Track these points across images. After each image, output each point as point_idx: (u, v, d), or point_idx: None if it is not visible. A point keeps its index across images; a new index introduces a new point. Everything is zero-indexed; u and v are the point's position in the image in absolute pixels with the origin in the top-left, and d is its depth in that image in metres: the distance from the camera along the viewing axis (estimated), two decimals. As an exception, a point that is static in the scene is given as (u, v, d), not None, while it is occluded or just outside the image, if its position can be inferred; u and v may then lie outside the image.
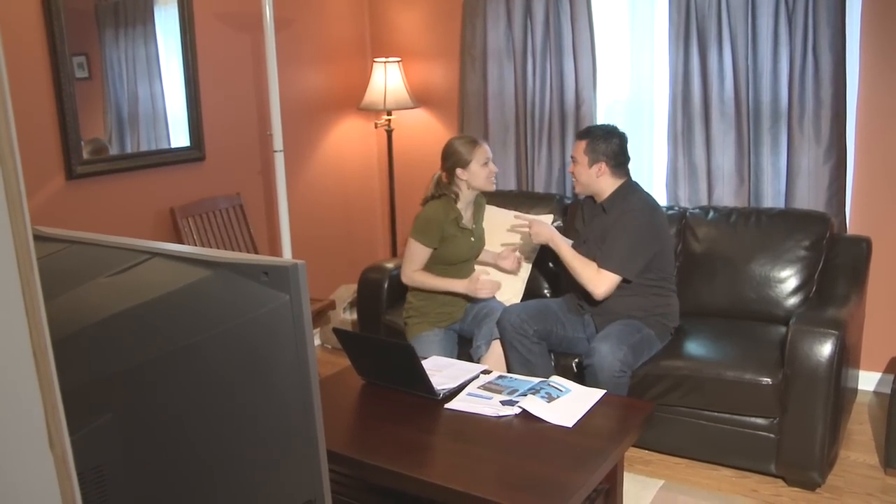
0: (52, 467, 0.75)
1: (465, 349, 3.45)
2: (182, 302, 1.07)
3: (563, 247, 3.30)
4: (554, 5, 4.15)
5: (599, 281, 3.17)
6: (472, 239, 3.49)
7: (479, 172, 3.36)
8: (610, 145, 3.26)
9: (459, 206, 3.41)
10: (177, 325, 1.06)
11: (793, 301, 3.41)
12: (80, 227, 3.29)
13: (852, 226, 3.70)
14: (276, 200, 3.58)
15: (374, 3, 4.93)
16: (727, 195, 3.85)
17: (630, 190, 3.32)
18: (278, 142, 3.47)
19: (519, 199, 4.17)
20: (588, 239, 3.37)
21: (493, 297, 3.51)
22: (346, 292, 4.65)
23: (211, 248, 3.83)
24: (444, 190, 3.42)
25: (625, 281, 3.19)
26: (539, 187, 4.35)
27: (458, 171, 3.37)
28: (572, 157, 3.37)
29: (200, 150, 3.94)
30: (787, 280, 3.43)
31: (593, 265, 3.21)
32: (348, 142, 4.89)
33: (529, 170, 4.39)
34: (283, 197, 3.53)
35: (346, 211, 4.93)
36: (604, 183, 3.30)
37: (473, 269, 3.55)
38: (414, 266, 3.40)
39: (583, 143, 3.30)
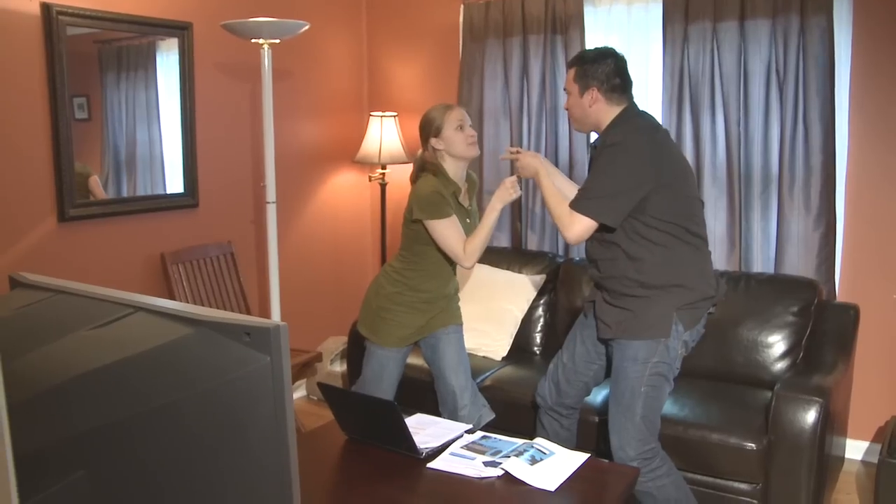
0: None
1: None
2: (163, 359, 1.07)
3: (546, 182, 2.79)
4: (551, 66, 4.21)
5: (570, 222, 2.65)
6: (468, 221, 3.05)
7: (454, 138, 2.96)
8: (602, 66, 2.73)
9: (453, 178, 3.02)
10: (156, 382, 1.06)
11: (780, 366, 3.41)
12: (69, 270, 3.32)
13: (841, 293, 3.71)
14: (267, 250, 3.58)
15: (372, 58, 5.00)
16: (718, 259, 3.86)
17: (626, 117, 2.75)
18: (271, 193, 3.49)
19: (511, 256, 4.19)
20: None
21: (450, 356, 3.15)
22: (334, 344, 4.62)
23: (200, 295, 3.82)
24: (429, 167, 3.02)
25: (606, 229, 2.68)
26: (532, 245, 4.36)
27: (433, 140, 3.00)
28: (565, 90, 2.86)
29: (194, 197, 3.95)
30: (775, 345, 3.43)
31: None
32: (342, 194, 4.92)
33: (523, 228, 4.41)
34: (273, 249, 3.52)
35: (338, 262, 4.93)
36: (600, 113, 2.75)
37: (454, 268, 3.11)
38: (459, 239, 2.93)
39: (572, 71, 2.79)
